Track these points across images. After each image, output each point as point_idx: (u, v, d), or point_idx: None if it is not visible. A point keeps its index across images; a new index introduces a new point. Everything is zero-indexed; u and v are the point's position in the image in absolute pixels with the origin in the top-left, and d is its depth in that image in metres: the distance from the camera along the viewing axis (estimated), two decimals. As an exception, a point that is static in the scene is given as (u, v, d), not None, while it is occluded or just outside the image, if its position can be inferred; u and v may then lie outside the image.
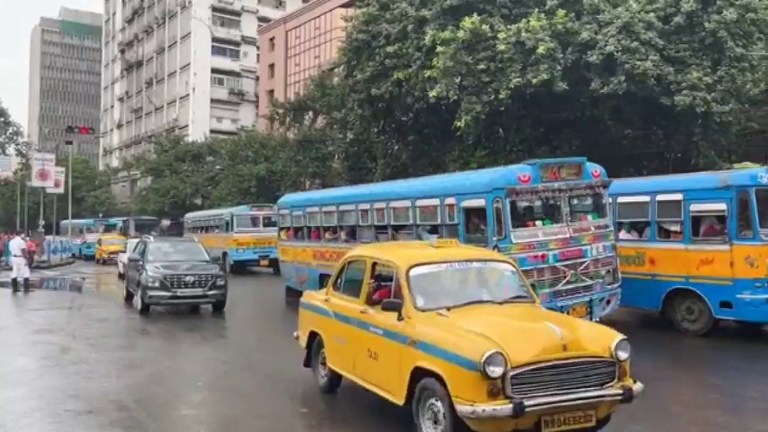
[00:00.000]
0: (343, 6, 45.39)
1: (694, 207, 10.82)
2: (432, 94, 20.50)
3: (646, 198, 11.70)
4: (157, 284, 13.94)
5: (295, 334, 8.10)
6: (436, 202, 11.60)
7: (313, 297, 7.95)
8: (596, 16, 18.84)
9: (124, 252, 24.21)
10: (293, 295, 14.77)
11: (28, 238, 26.23)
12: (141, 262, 14.84)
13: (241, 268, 26.66)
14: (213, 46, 68.32)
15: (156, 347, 11.75)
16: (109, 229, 45.96)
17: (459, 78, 20.11)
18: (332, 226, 15.22)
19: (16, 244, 20.50)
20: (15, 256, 20.01)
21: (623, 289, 10.86)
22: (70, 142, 46.88)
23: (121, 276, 21.86)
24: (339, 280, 7.36)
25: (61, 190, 41.75)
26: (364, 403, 6.92)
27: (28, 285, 19.74)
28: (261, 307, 17.96)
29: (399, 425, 6.02)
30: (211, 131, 62.50)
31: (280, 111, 39.52)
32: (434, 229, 11.63)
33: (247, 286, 21.36)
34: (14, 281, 19.62)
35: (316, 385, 7.52)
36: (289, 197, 19.28)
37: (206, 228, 31.62)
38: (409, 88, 23.13)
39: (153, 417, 6.82)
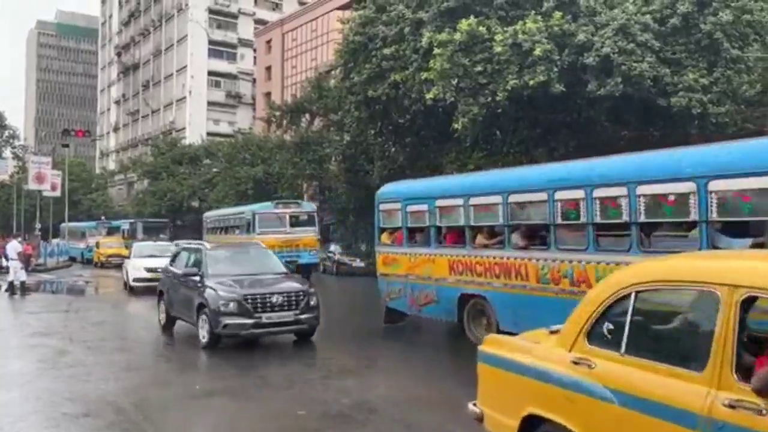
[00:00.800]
0: (339, 8, 45.45)
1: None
2: (429, 96, 20.52)
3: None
4: (233, 308, 10.12)
5: (475, 409, 4.67)
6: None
7: (529, 351, 4.35)
8: (593, 18, 18.90)
9: (128, 258, 22.44)
10: (394, 319, 12.62)
11: (24, 242, 26.13)
12: (198, 278, 11.05)
13: None
14: (210, 49, 68.31)
15: (153, 350, 11.73)
16: (111, 232, 44.58)
17: (456, 80, 20.13)
18: (492, 226, 10.55)
19: (12, 247, 20.44)
20: (11, 259, 19.96)
21: None
22: (67, 145, 46.84)
23: (132, 290, 20.55)
24: (604, 324, 3.91)
25: (57, 193, 41.68)
26: (366, 405, 6.91)
27: (24, 288, 19.68)
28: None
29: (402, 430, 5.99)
30: (208, 134, 62.46)
31: (277, 113, 39.49)
32: (742, 231, 7.13)
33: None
34: (11, 284, 19.56)
35: (312, 389, 7.50)
36: (398, 186, 13.70)
37: (226, 228, 28.77)
38: (406, 90, 23.16)
39: (150, 420, 6.79)
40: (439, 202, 11.34)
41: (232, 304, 10.13)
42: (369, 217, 32.27)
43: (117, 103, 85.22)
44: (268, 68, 62.74)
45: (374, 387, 8.28)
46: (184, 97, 67.81)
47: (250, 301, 10.16)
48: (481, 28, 19.37)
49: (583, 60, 18.17)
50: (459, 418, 5.62)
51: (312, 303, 10.69)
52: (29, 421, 6.72)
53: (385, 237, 12.99)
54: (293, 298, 10.48)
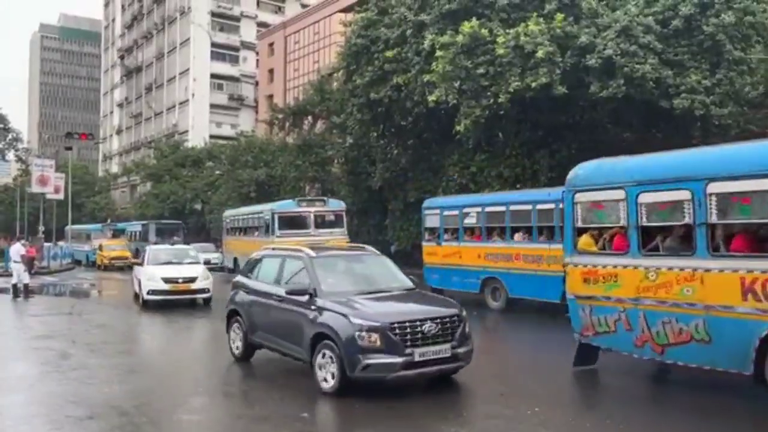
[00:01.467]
0: (342, 11, 45.50)
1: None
2: (431, 98, 20.53)
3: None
4: (376, 341, 7.15)
5: None
6: None
7: None
8: (595, 20, 18.89)
9: (140, 264, 18.25)
10: (588, 359, 8.75)
11: (28, 244, 26.19)
12: (307, 297, 7.96)
13: None
14: (212, 52, 68.46)
15: (156, 352, 11.74)
16: (116, 234, 44.06)
17: (458, 82, 20.14)
18: None
19: (15, 250, 20.48)
20: (14, 262, 20.00)
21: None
22: (70, 148, 46.91)
23: (145, 304, 16.73)
24: None
25: (60, 196, 41.74)
26: (367, 408, 6.91)
27: (28, 291, 19.72)
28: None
29: None
30: (211, 136, 62.57)
31: (280, 116, 39.56)
32: None
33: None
34: (14, 287, 19.60)
35: (316, 390, 7.49)
36: (637, 160, 8.52)
37: (245, 230, 25.76)
38: (408, 93, 23.18)
39: (153, 422, 6.80)
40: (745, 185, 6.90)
41: (374, 336, 7.14)
42: (371, 219, 32.39)
43: (120, 106, 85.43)
44: (271, 71, 62.84)
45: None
46: (187, 100, 67.94)
47: (398, 331, 7.20)
48: (483, 30, 19.37)
49: (586, 62, 18.16)
50: None
51: (467, 330, 7.87)
52: (33, 424, 6.73)
53: (585, 241, 8.77)
54: (448, 326, 7.57)
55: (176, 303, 16.52)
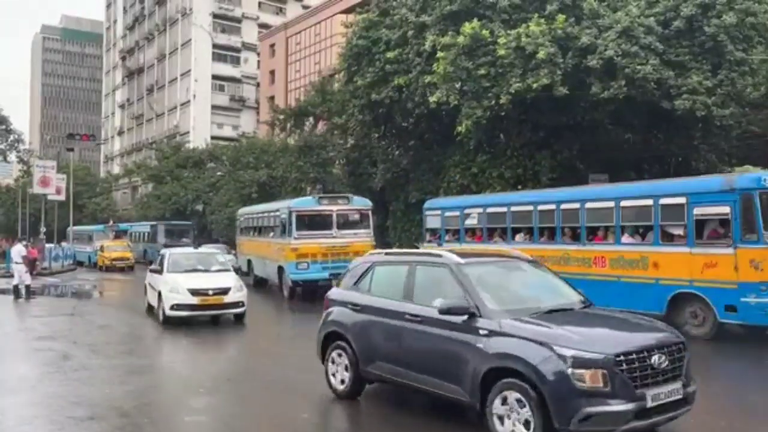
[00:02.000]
0: (343, 12, 45.52)
1: (698, 210, 10.81)
2: (432, 99, 20.54)
3: (649, 202, 11.70)
4: (596, 381, 5.08)
5: None
6: None
7: None
8: (596, 21, 18.88)
9: (157, 272, 14.98)
10: None
11: (29, 245, 26.20)
12: (465, 318, 5.91)
13: (308, 293, 18.73)
14: (214, 53, 68.53)
15: (158, 353, 11.75)
16: (119, 235, 43.90)
17: (459, 83, 20.15)
18: None
19: (17, 251, 20.49)
20: (16, 263, 20.02)
21: (627, 292, 10.99)
22: (72, 149, 47.06)
23: (167, 321, 13.61)
24: None
25: (62, 197, 41.80)
26: (367, 410, 6.91)
27: (29, 292, 19.74)
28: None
29: None
30: (212, 137, 62.61)
31: (281, 117, 39.57)
32: None
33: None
34: (15, 288, 19.62)
35: (319, 391, 7.48)
36: None
37: (260, 229, 22.94)
38: (409, 94, 23.18)
39: (155, 423, 6.80)
40: None
41: (592, 375, 5.10)
42: (373, 219, 32.38)
43: (122, 107, 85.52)
44: (272, 72, 62.89)
45: None
46: (188, 101, 68.01)
47: (625, 365, 5.19)
48: (484, 31, 19.38)
49: (587, 63, 18.16)
50: None
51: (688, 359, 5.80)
52: (34, 425, 6.74)
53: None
54: (676, 357, 5.56)
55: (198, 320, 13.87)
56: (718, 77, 18.04)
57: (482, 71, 19.26)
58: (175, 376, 9.53)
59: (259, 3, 71.96)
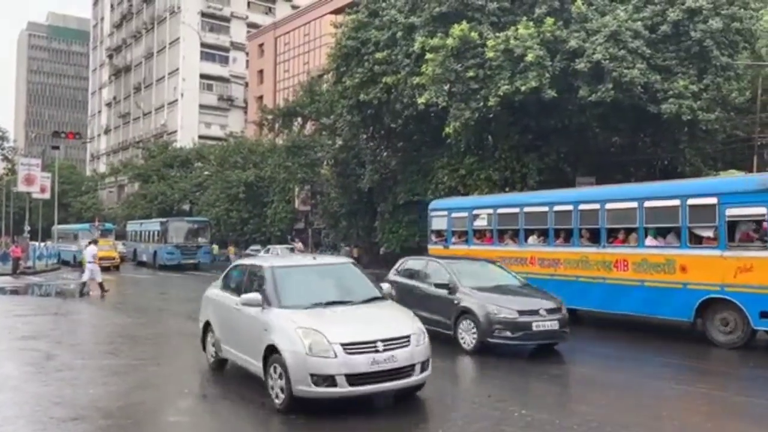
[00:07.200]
0: (332, 12, 45.51)
1: (731, 211, 10.26)
2: (421, 100, 20.57)
3: (675, 202, 11.17)
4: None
5: None
6: None
7: None
8: (584, 25, 19.01)
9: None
10: None
11: (13, 244, 25.91)
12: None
13: None
14: (202, 52, 68.27)
15: (142, 354, 11.65)
16: (104, 234, 41.34)
17: (448, 85, 20.21)
18: None
19: (90, 251, 21.06)
20: (89, 262, 20.73)
21: (651, 298, 10.63)
22: (57, 147, 46.58)
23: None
24: None
25: (47, 195, 41.39)
26: (360, 410, 6.88)
27: (84, 290, 20.44)
28: None
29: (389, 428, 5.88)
30: (200, 137, 62.36)
31: (269, 117, 39.50)
32: None
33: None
34: (83, 285, 20.42)
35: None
36: None
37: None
38: (398, 95, 23.21)
39: (138, 424, 6.74)
40: None
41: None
42: (360, 220, 32.41)
43: (108, 105, 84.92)
44: (261, 72, 62.73)
45: None
46: (176, 100, 67.67)
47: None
48: (473, 33, 19.44)
49: (575, 66, 18.27)
50: None
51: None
52: (17, 425, 6.65)
53: None
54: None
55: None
56: (704, 82, 18.22)
57: (471, 73, 19.32)
58: (160, 376, 9.45)
59: (248, 2, 71.80)
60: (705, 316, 10.67)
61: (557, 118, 20.65)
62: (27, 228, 38.28)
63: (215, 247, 44.02)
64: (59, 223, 46.42)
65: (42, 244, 41.79)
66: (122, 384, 8.53)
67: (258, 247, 39.27)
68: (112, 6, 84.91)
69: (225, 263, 40.66)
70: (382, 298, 7.82)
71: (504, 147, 22.00)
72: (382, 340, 6.59)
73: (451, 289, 10.53)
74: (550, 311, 9.84)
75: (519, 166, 21.53)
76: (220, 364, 8.83)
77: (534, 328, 9.61)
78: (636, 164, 22.86)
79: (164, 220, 38.42)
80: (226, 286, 8.85)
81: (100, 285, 20.34)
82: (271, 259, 9.13)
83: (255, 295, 7.38)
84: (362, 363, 6.43)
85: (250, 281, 8.02)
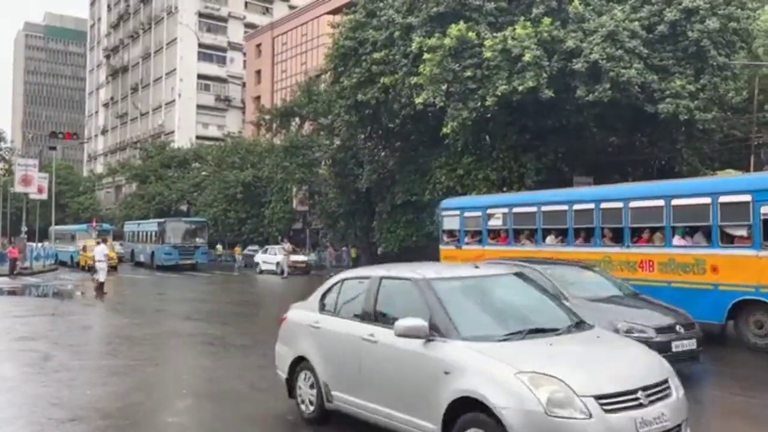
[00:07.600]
0: (330, 12, 45.51)
1: (766, 209, 9.83)
2: (418, 100, 20.59)
3: (706, 200, 10.67)
4: None
5: None
6: None
7: None
8: (581, 25, 19.04)
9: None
10: None
11: (10, 245, 25.87)
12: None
13: None
14: (199, 52, 68.19)
15: (140, 354, 11.64)
16: (102, 235, 43.32)
17: (445, 85, 20.22)
18: None
19: (100, 251, 21.18)
20: (98, 261, 20.89)
21: (679, 299, 10.09)
22: (54, 148, 46.52)
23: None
24: None
25: (44, 196, 41.32)
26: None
27: (102, 290, 20.56)
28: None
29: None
30: (197, 137, 62.28)
31: (267, 117, 39.48)
32: None
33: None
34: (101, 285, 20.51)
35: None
36: None
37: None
38: (395, 95, 23.23)
39: (137, 425, 6.73)
40: None
41: None
42: (358, 220, 32.40)
43: (105, 105, 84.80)
44: (258, 72, 62.70)
45: None
46: (173, 100, 67.59)
47: None
48: (470, 33, 19.46)
49: (572, 66, 18.30)
50: None
51: None
52: (15, 426, 6.64)
53: None
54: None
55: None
56: (701, 81, 18.26)
57: (468, 73, 19.34)
58: (158, 377, 9.45)
59: (246, 3, 71.74)
60: (738, 318, 10.26)
61: (555, 118, 20.68)
62: (24, 229, 38.21)
63: (219, 247, 43.96)
64: (56, 224, 46.34)
65: (39, 244, 41.68)
66: (121, 385, 8.52)
67: (256, 247, 39.26)
68: (109, 6, 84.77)
69: (230, 264, 40.54)
70: (585, 322, 5.46)
71: (502, 147, 22.03)
72: (643, 389, 4.41)
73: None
74: (686, 327, 8.30)
75: (517, 166, 21.56)
76: (325, 418, 6.31)
77: (674, 349, 7.77)
78: (633, 164, 22.90)
79: (162, 220, 38.25)
80: (334, 310, 6.33)
81: (101, 284, 20.51)
82: (417, 268, 5.88)
83: (419, 322, 4.95)
84: (627, 426, 4.18)
85: (389, 302, 5.72)
